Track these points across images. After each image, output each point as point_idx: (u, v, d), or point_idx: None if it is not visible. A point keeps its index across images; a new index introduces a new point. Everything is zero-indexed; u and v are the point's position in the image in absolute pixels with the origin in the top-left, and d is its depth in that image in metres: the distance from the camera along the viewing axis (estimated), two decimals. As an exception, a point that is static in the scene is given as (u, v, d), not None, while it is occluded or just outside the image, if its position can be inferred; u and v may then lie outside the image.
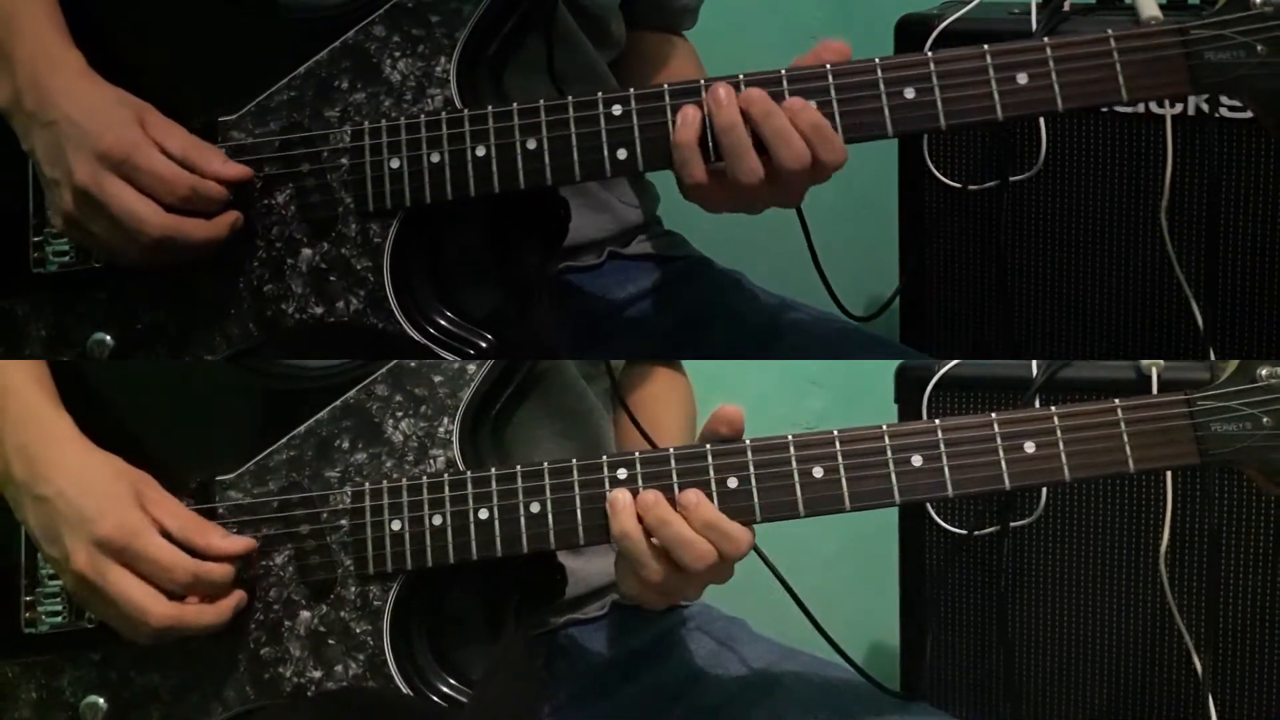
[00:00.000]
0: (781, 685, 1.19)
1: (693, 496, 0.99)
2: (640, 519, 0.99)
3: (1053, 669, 1.43)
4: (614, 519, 1.00)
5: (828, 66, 1.02)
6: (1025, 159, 1.53)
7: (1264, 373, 0.97)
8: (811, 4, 1.91)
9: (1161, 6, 1.41)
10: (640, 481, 1.01)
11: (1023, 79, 1.00)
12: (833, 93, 1.01)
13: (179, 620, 1.02)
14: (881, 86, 1.01)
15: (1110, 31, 1.00)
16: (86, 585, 1.02)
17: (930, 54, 1.01)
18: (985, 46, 1.01)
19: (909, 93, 1.01)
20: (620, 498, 1.00)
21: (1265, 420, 0.97)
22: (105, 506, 1.02)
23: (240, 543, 1.05)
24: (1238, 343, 1.50)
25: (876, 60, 1.02)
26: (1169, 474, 1.36)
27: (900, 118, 1.01)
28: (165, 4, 1.12)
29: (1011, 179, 1.53)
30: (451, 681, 1.04)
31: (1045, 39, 1.01)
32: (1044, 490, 1.40)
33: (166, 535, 1.03)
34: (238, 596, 1.04)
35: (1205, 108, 1.46)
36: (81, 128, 1.03)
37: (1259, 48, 0.98)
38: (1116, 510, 1.39)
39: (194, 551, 1.03)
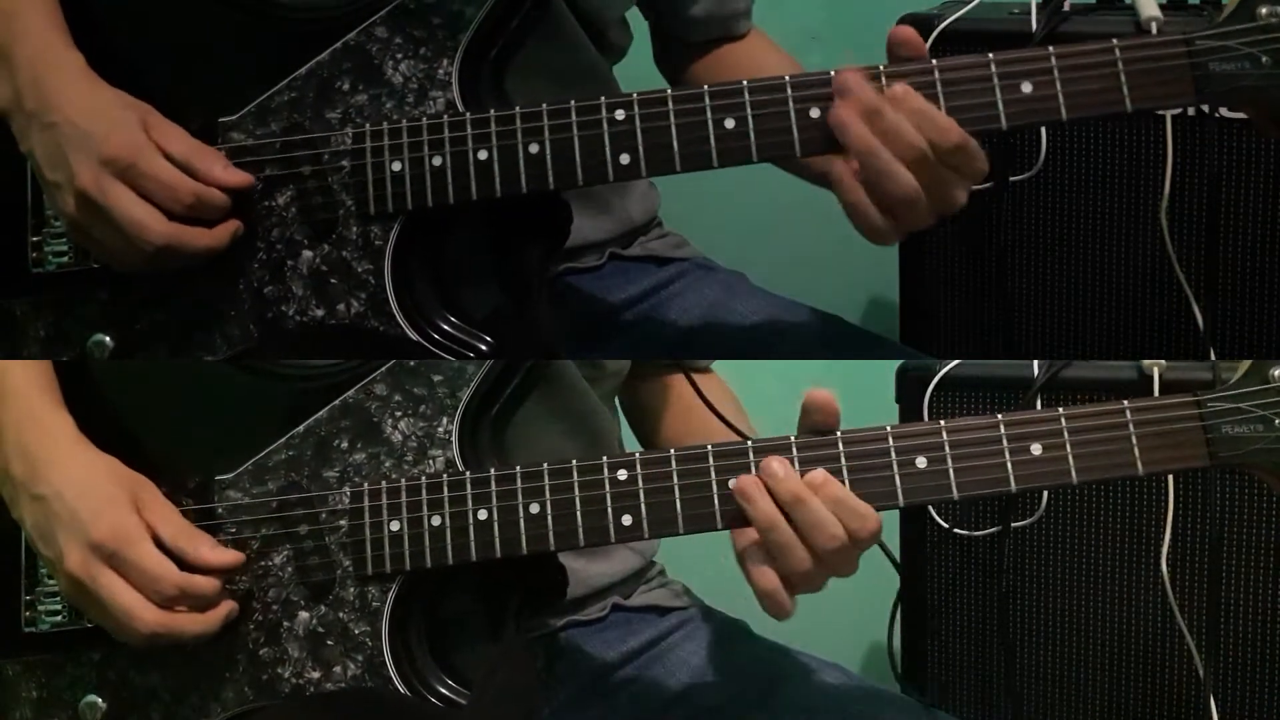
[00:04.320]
0: (782, 687, 1.18)
1: (819, 475, 0.97)
2: (773, 497, 0.97)
3: (1054, 670, 1.43)
4: (753, 506, 0.97)
5: (831, 73, 1.01)
6: (1025, 159, 1.53)
7: (1277, 373, 0.96)
8: (811, 4, 1.91)
9: (1162, 7, 1.41)
10: (641, 483, 1.00)
11: (1027, 88, 0.99)
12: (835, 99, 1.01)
13: (168, 627, 1.02)
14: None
15: (1115, 41, 0.99)
16: (79, 587, 1.02)
17: (934, 61, 1.00)
18: (990, 55, 1.00)
19: None
20: (750, 484, 0.97)
21: (1278, 423, 0.96)
22: (101, 509, 1.02)
23: (229, 556, 1.04)
24: (1238, 343, 1.50)
25: (880, 68, 1.01)
26: (1171, 475, 1.36)
27: None
28: (166, 5, 1.12)
29: (1011, 179, 1.53)
30: (450, 683, 1.04)
31: (1050, 48, 1.00)
32: (1045, 491, 1.40)
33: (159, 542, 1.03)
34: (228, 607, 1.04)
35: (1205, 108, 1.46)
36: (84, 131, 1.03)
37: (1263, 59, 0.97)
38: (1118, 511, 1.40)
39: (184, 560, 1.03)
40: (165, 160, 1.04)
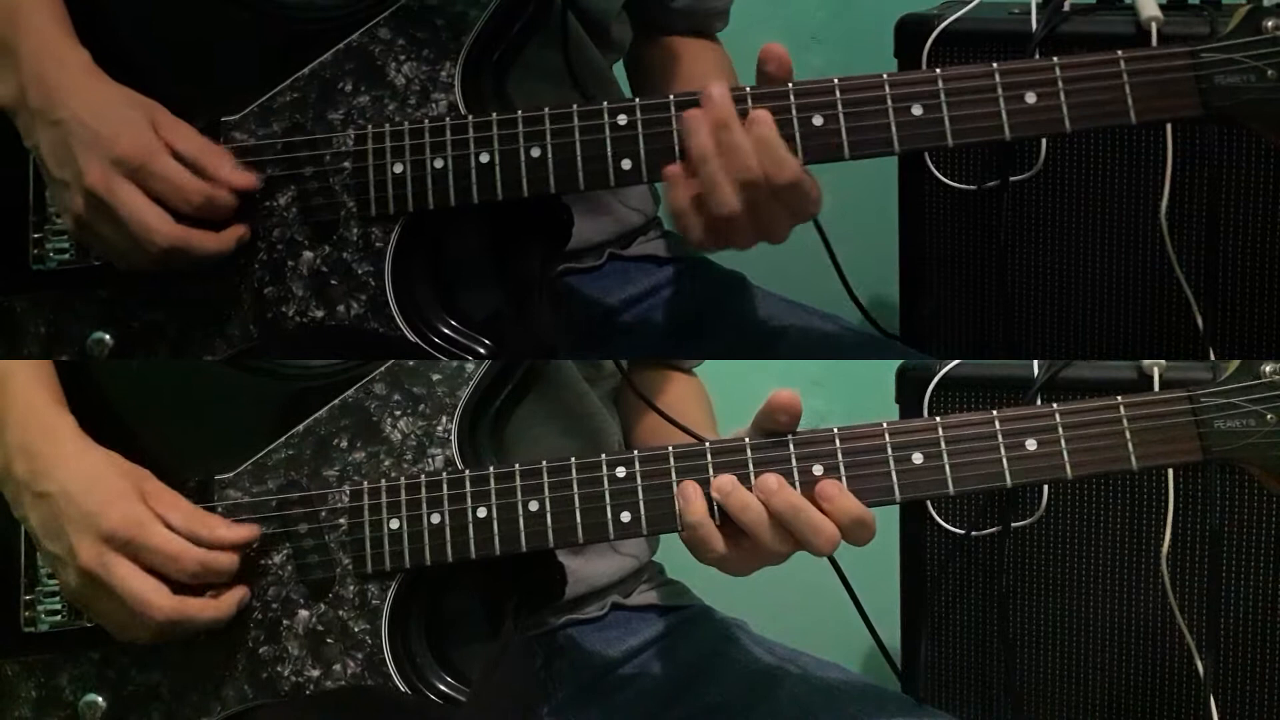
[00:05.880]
0: (781, 686, 1.19)
1: (831, 488, 0.98)
2: (764, 504, 0.99)
3: (1054, 670, 1.43)
4: (729, 498, 0.99)
5: (835, 80, 1.01)
6: (1025, 159, 1.53)
7: (1267, 369, 0.97)
8: (812, 4, 1.91)
9: (1162, 7, 1.41)
10: (639, 480, 1.01)
11: (1031, 98, 1.00)
12: (839, 108, 1.01)
13: (183, 613, 1.02)
14: (889, 103, 1.01)
15: (1120, 52, 0.99)
16: (91, 581, 1.02)
17: (938, 71, 1.01)
18: (994, 65, 1.00)
19: (916, 109, 1.00)
20: (726, 483, 0.99)
21: (1269, 417, 0.97)
22: (109, 501, 1.02)
23: (244, 530, 1.05)
24: (1238, 343, 1.50)
25: (884, 76, 1.01)
26: (1170, 474, 1.36)
27: (907, 135, 1.01)
28: (169, 3, 1.12)
29: (1011, 179, 1.53)
30: (450, 680, 1.04)
31: (1055, 58, 1.00)
32: (1045, 490, 1.40)
33: (170, 528, 1.03)
34: (241, 591, 1.05)
35: (1205, 107, 1.46)
36: (93, 129, 1.03)
37: (1269, 72, 0.98)
38: (1118, 510, 1.39)
39: (199, 542, 1.03)
40: (175, 161, 1.03)
